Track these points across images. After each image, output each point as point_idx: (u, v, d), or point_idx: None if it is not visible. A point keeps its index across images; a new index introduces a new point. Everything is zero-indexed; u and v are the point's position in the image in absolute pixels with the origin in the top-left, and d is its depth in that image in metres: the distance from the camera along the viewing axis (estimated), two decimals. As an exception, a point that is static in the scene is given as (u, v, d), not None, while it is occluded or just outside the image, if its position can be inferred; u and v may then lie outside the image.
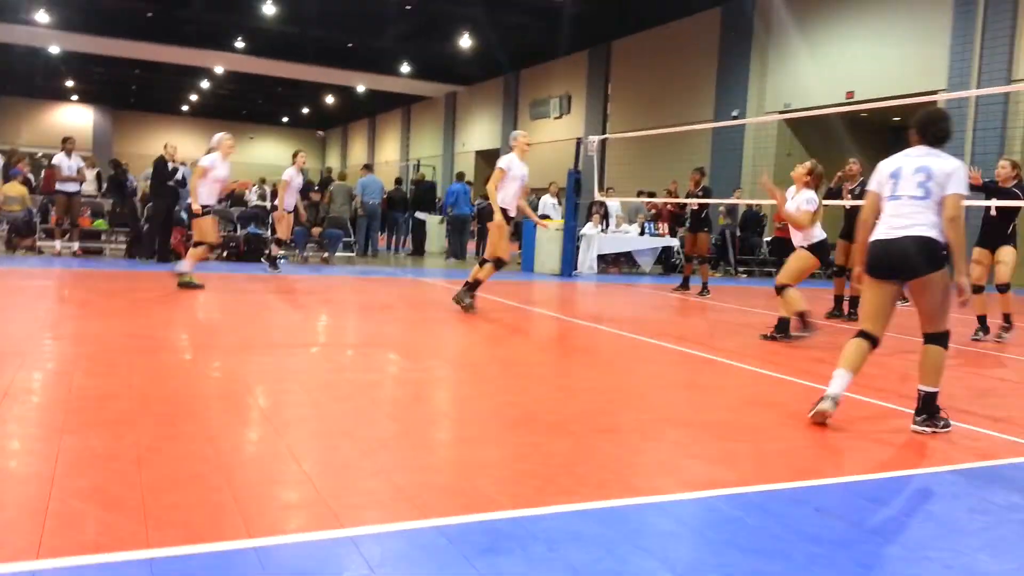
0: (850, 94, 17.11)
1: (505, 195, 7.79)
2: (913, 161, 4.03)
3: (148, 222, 11.83)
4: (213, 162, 8.54)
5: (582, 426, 3.84)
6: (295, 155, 11.49)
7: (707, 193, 11.49)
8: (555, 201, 15.85)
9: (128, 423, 3.41)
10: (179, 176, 11.60)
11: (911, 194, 3.96)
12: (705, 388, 5.05)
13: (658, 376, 5.47)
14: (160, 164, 11.36)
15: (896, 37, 16.44)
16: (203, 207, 8.48)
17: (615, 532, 2.55)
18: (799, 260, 7.08)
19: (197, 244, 8.67)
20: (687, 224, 12.09)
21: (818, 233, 7.03)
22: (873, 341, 4.11)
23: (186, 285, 8.38)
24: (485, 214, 11.72)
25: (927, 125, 4.09)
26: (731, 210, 16.32)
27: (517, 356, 5.99)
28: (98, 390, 3.98)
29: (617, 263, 15.56)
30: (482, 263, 7.87)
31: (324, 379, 4.67)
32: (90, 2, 22.97)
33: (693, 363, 5.90)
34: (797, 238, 7.17)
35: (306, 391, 4.28)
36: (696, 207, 11.32)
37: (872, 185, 4.23)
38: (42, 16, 24.01)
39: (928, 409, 4.01)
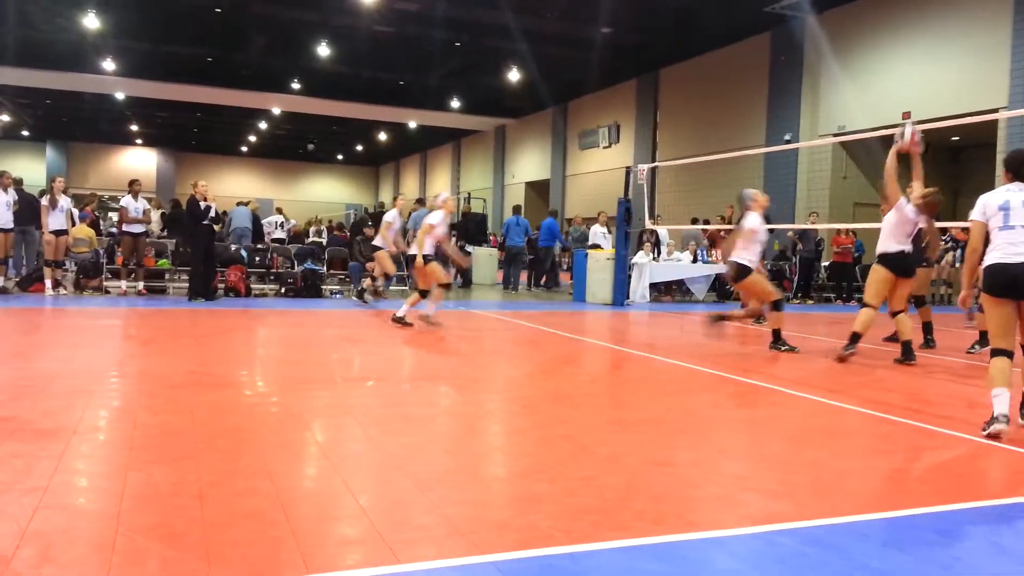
0: (907, 114, 16.77)
1: (751, 255, 7.98)
2: (1018, 195, 4.59)
3: (191, 264, 12.06)
4: (440, 219, 9.10)
5: (637, 459, 3.79)
6: (395, 198, 12.49)
7: (767, 220, 11.35)
8: (604, 230, 15.83)
9: (190, 459, 3.49)
10: (212, 214, 11.84)
11: None
12: (762, 418, 4.95)
13: (713, 406, 5.38)
14: (192, 204, 11.64)
15: (952, 55, 16.10)
16: (425, 256, 9.01)
17: (673, 569, 2.51)
18: (871, 273, 7.39)
19: (441, 285, 9.19)
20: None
21: (892, 245, 7.17)
22: (1010, 355, 4.54)
23: (429, 324, 8.93)
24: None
25: (1021, 165, 4.70)
26: (803, 235, 16.01)
27: (569, 388, 5.96)
28: (161, 427, 4.09)
29: (670, 291, 15.43)
30: (774, 306, 8.16)
31: (379, 413, 4.71)
32: (153, 49, 23.96)
33: (749, 392, 5.79)
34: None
35: (361, 426, 4.33)
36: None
37: (976, 216, 4.72)
38: (108, 64, 25.15)
39: None
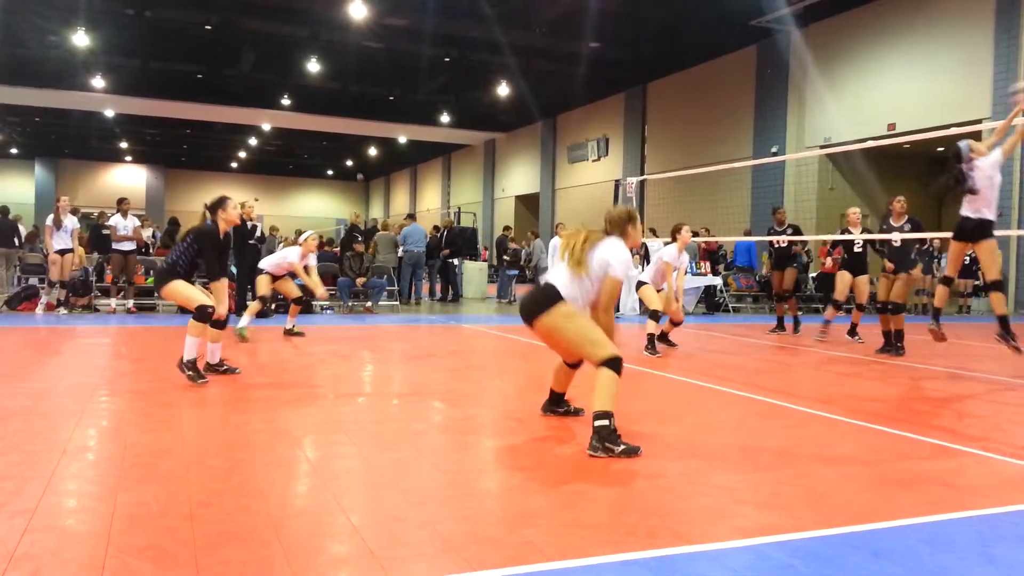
0: (891, 126, 16.95)
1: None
2: None
3: (239, 281, 12.25)
4: (297, 256, 9.75)
5: (629, 472, 3.80)
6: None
7: (796, 231, 11.54)
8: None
9: (180, 479, 3.48)
10: (258, 234, 12.01)
11: None
12: (753, 430, 4.97)
13: (705, 418, 5.40)
14: (239, 224, 11.73)
15: (937, 67, 16.29)
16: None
17: (665, 582, 2.51)
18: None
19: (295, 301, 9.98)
20: (771, 262, 12.02)
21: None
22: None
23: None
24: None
25: None
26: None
27: (562, 401, 5.95)
28: (152, 446, 4.08)
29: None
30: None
31: (370, 429, 4.70)
32: (143, 66, 23.98)
33: (739, 403, 5.81)
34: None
35: (353, 442, 4.33)
36: (784, 244, 11.38)
37: None
38: (98, 82, 25.13)
39: None
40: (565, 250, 4.45)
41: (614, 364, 4.14)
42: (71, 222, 12.04)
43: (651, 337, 8.56)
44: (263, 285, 9.61)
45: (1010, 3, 14.84)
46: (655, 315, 8.74)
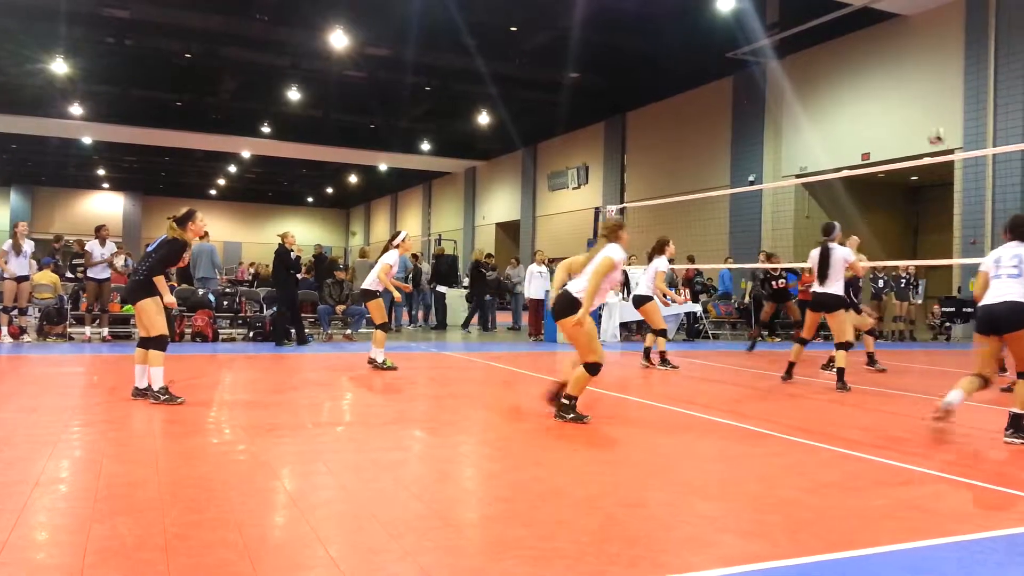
0: (866, 156, 17.23)
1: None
2: (1011, 251, 5.51)
3: (278, 310, 12.45)
4: (396, 260, 9.23)
5: (610, 500, 3.78)
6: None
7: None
8: (542, 269, 15.65)
9: (156, 510, 3.42)
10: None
11: (1008, 273, 5.41)
12: (733, 457, 4.97)
13: (686, 446, 5.39)
14: (283, 253, 11.91)
15: (909, 99, 16.64)
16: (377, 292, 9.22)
17: (647, 613, 2.49)
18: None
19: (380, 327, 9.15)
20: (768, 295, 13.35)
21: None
22: (986, 381, 5.54)
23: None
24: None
25: (1017, 227, 5.60)
26: (754, 274, 16.31)
27: (542, 429, 5.94)
28: (127, 477, 4.01)
29: (640, 331, 15.49)
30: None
31: (349, 459, 4.65)
32: (122, 93, 23.92)
33: (721, 431, 5.81)
34: None
35: (332, 472, 4.28)
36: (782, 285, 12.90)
37: (983, 267, 5.70)
38: (76, 109, 25.02)
39: (1017, 424, 5.31)
40: (583, 264, 5.86)
41: (592, 368, 5.72)
42: (29, 247, 11.93)
43: (662, 354, 10.02)
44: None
45: (978, 38, 15.23)
46: (663, 332, 10.27)
